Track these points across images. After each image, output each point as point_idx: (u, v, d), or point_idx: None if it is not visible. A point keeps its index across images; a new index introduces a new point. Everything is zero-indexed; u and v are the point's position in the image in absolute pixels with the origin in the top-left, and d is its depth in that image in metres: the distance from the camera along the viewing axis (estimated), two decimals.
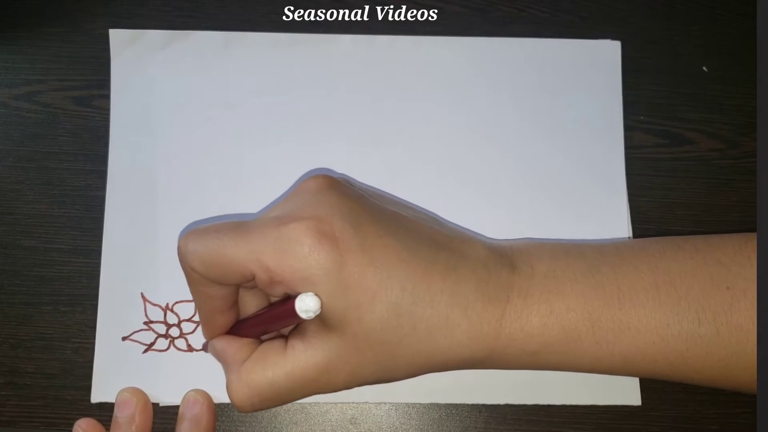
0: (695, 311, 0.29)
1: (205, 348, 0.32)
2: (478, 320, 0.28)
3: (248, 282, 0.28)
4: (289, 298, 0.27)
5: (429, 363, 0.29)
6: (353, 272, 0.26)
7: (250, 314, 0.31)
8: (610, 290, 0.29)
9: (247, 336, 0.30)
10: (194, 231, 0.28)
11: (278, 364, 0.28)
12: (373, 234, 0.27)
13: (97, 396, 0.34)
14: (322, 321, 0.27)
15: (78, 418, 0.33)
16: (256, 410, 0.29)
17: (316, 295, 0.26)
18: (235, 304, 0.31)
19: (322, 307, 0.26)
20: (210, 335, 0.31)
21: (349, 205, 0.28)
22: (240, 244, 0.27)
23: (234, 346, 0.30)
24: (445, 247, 0.29)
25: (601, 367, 0.30)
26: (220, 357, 0.31)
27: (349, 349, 0.27)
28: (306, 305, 0.26)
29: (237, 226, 0.28)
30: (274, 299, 0.31)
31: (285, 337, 0.29)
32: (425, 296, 0.27)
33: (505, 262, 0.30)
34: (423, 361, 0.29)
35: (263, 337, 0.31)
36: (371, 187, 0.37)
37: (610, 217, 0.37)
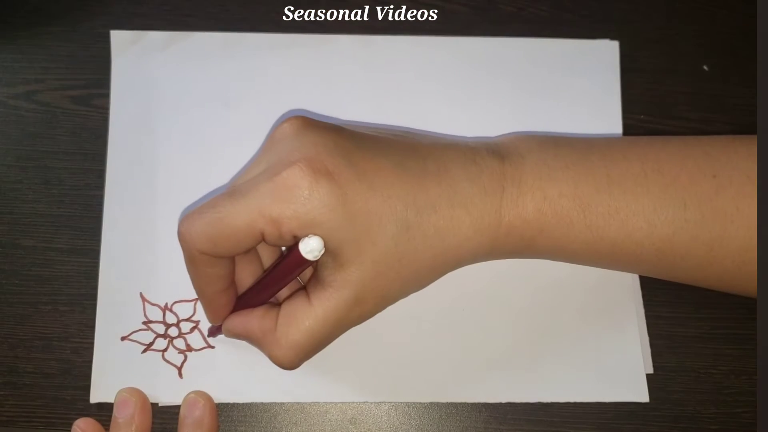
0: (682, 197, 0.30)
1: (213, 333, 0.33)
2: (478, 213, 0.29)
3: (257, 243, 0.28)
4: (290, 251, 0.28)
5: (445, 263, 0.30)
6: (356, 201, 0.27)
7: (253, 283, 0.32)
8: (600, 177, 0.30)
9: (256, 305, 0.31)
10: (190, 214, 0.28)
11: (310, 316, 0.29)
12: (364, 159, 0.28)
13: (96, 396, 0.34)
14: (336, 259, 0.28)
15: (77, 418, 0.33)
16: (302, 363, 0.30)
17: (315, 234, 0.27)
18: (233, 281, 0.31)
19: (326, 244, 0.27)
20: (218, 318, 0.32)
21: (332, 138, 0.28)
22: (241, 208, 0.27)
23: (254, 319, 0.31)
24: (430, 155, 0.30)
25: (591, 254, 0.31)
26: (243, 333, 0.31)
27: (371, 275, 0.28)
28: (310, 246, 0.27)
29: (230, 193, 0.28)
30: (266, 265, 0.33)
31: (298, 296, 0.30)
32: (426, 204, 0.29)
33: (494, 155, 0.31)
34: (440, 263, 0.30)
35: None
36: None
37: None
